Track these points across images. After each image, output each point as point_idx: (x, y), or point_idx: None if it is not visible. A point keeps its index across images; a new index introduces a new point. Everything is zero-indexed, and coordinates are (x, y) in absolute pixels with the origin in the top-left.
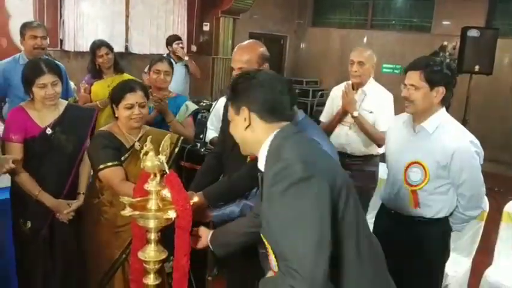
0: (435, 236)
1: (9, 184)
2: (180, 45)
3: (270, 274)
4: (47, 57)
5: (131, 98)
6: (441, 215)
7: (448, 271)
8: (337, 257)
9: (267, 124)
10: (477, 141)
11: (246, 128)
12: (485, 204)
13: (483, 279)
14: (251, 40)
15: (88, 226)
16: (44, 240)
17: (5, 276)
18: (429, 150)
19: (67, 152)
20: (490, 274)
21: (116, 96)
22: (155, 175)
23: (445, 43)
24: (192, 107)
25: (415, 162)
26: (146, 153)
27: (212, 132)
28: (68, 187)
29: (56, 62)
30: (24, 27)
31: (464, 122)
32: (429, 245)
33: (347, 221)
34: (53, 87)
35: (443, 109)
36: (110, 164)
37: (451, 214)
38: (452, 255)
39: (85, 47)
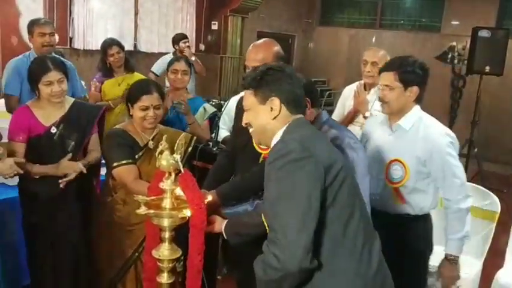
0: (422, 232)
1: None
2: (187, 44)
3: None
4: (58, 54)
5: (147, 100)
6: (425, 210)
7: (460, 273)
8: (324, 237)
9: (288, 116)
10: (452, 133)
11: (274, 117)
12: (497, 205)
13: (494, 281)
14: (266, 39)
15: (101, 224)
16: (51, 238)
17: (18, 267)
18: (408, 147)
19: (68, 149)
20: (501, 276)
21: (132, 96)
22: (170, 174)
23: (454, 43)
24: (210, 109)
25: (395, 160)
26: (161, 152)
27: (224, 132)
28: (72, 185)
29: (64, 60)
30: (32, 24)
31: (473, 123)
32: (417, 241)
33: (339, 204)
34: (59, 84)
35: (418, 107)
36: (124, 162)
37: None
38: (463, 257)
39: (95, 45)
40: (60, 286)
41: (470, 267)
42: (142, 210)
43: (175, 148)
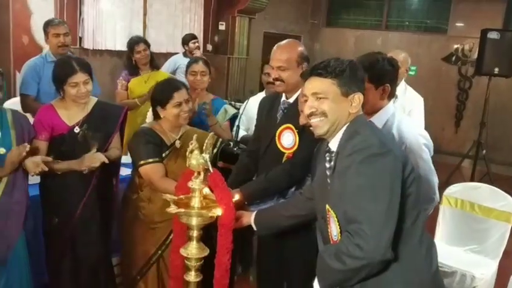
0: None
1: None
2: (196, 44)
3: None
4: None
5: (179, 96)
6: None
7: (475, 273)
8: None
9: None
10: (426, 134)
11: (351, 112)
12: (510, 205)
13: (510, 282)
14: (290, 39)
15: (126, 221)
16: (69, 238)
17: (38, 263)
18: None
19: (90, 149)
20: None
21: (162, 97)
22: (199, 173)
23: (461, 45)
24: (231, 111)
25: None
26: (191, 152)
27: (242, 132)
28: (92, 185)
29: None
30: (47, 25)
31: (482, 125)
32: None
33: (412, 193)
34: (85, 85)
35: (390, 104)
36: (151, 160)
37: None
38: (479, 258)
39: (104, 45)
40: (79, 284)
41: (486, 268)
42: (172, 208)
43: (204, 148)
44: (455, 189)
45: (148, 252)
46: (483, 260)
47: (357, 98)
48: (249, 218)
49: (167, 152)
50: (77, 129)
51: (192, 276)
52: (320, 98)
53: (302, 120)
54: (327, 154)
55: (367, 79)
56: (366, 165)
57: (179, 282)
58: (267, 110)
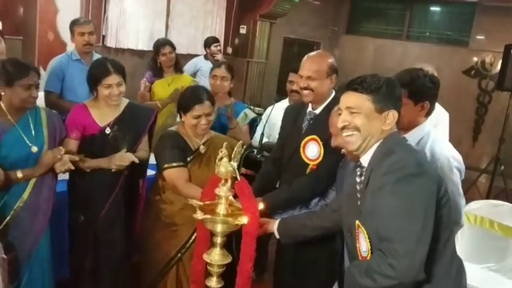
0: None
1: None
2: (218, 47)
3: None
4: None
5: (199, 110)
6: None
7: None
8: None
9: (388, 129)
10: (459, 157)
11: (385, 129)
12: None
13: None
14: (320, 51)
15: (147, 222)
16: (93, 237)
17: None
18: None
19: (121, 150)
20: None
21: (184, 105)
22: (226, 181)
23: (483, 58)
24: (251, 115)
25: None
26: (220, 159)
27: (264, 139)
28: (119, 185)
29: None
30: (73, 24)
31: (501, 140)
32: None
33: (445, 215)
34: (118, 87)
35: (427, 122)
36: (175, 164)
37: None
38: (496, 276)
39: (126, 44)
40: (99, 284)
41: (499, 285)
42: (199, 215)
43: (233, 156)
44: (475, 206)
45: (168, 254)
46: (500, 278)
47: (392, 115)
48: (273, 225)
49: (191, 156)
50: (108, 130)
51: (214, 282)
52: (354, 113)
53: (333, 142)
54: (358, 169)
55: (406, 94)
56: (402, 186)
57: (200, 287)
58: (292, 119)
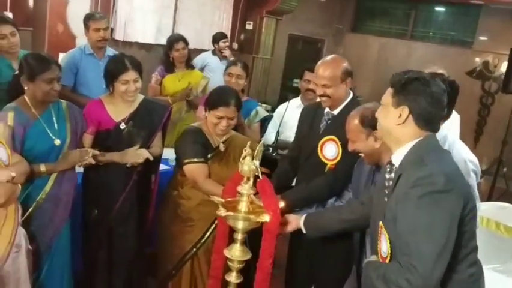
0: None
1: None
2: (226, 43)
3: (374, 258)
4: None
5: (223, 112)
6: None
7: None
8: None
9: (418, 130)
10: (475, 160)
11: (398, 124)
12: None
13: None
14: (334, 55)
15: (164, 216)
16: (107, 230)
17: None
18: None
19: (135, 146)
20: None
21: (211, 103)
22: (248, 179)
23: (487, 60)
24: (263, 113)
25: None
26: (244, 158)
27: (272, 135)
28: (133, 180)
29: (113, 50)
30: (88, 19)
31: (504, 143)
32: None
33: (468, 231)
34: (135, 83)
35: (444, 126)
36: (196, 160)
37: None
38: (501, 277)
39: (134, 37)
40: (113, 277)
41: (503, 286)
42: (222, 212)
43: (255, 155)
44: (482, 208)
45: (183, 249)
46: (505, 279)
47: (404, 111)
48: (298, 221)
49: (211, 154)
50: (123, 126)
51: (233, 278)
52: (381, 105)
53: (350, 147)
54: (388, 165)
55: None
56: (427, 202)
57: (218, 282)
58: (309, 120)
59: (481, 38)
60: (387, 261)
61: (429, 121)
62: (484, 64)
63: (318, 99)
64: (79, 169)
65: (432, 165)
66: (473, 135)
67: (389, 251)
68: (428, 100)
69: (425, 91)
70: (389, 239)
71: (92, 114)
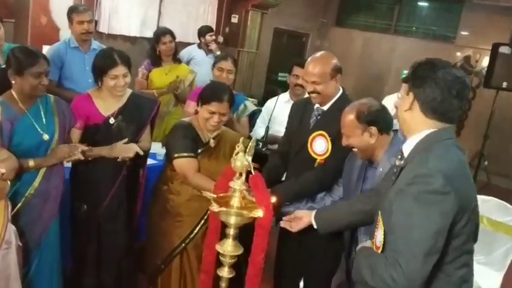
0: None
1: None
2: (213, 37)
3: (368, 244)
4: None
5: (216, 107)
6: None
7: (481, 285)
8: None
9: (426, 118)
10: None
11: (405, 110)
12: None
13: None
14: (323, 52)
15: (153, 211)
16: (96, 225)
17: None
18: None
19: (123, 141)
20: None
21: (204, 97)
22: (240, 174)
23: (469, 54)
24: (251, 107)
25: None
26: (237, 154)
27: (261, 130)
28: (122, 175)
29: (104, 46)
30: (72, 12)
31: (485, 137)
32: None
33: (463, 234)
34: (124, 78)
35: None
36: (185, 154)
37: None
38: (484, 269)
39: (119, 30)
40: (102, 272)
41: (491, 280)
42: (215, 207)
43: (247, 150)
44: None
45: (172, 244)
46: (488, 271)
47: (410, 98)
48: (309, 217)
49: (201, 149)
50: (112, 120)
51: (225, 272)
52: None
53: (344, 142)
54: (400, 153)
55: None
56: (420, 201)
57: (210, 277)
58: (299, 115)
59: (463, 33)
60: (379, 251)
61: (437, 110)
62: (465, 59)
63: (307, 95)
64: (67, 164)
65: (434, 161)
66: (454, 130)
67: (383, 242)
68: (432, 87)
69: (430, 78)
70: (384, 230)
71: (81, 109)
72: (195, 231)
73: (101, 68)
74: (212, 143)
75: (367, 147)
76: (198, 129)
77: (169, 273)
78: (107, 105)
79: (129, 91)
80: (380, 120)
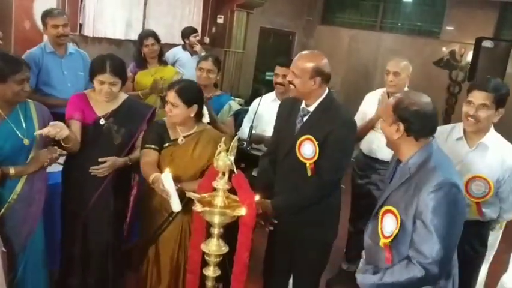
0: (486, 234)
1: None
2: (197, 38)
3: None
4: (71, 42)
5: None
6: (493, 218)
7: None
8: None
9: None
10: None
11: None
12: None
13: (499, 285)
14: (316, 51)
15: (146, 211)
16: (82, 225)
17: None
18: (490, 164)
19: (115, 143)
20: (506, 281)
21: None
22: (223, 174)
23: (453, 49)
24: (235, 107)
25: (478, 177)
26: (219, 154)
27: (247, 130)
28: (107, 179)
29: (79, 50)
30: (46, 16)
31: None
32: (484, 242)
33: None
34: (111, 86)
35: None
36: (147, 146)
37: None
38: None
39: (103, 33)
40: (88, 272)
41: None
42: (198, 207)
43: (230, 150)
44: None
45: (163, 216)
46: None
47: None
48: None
49: (166, 144)
50: (102, 121)
51: (211, 272)
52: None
53: (381, 124)
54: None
55: (493, 99)
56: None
57: (196, 276)
58: (286, 113)
59: (448, 28)
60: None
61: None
62: (450, 54)
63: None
64: (58, 167)
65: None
66: (441, 124)
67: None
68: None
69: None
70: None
71: (78, 103)
72: (164, 226)
73: (91, 70)
74: (181, 141)
75: (391, 140)
76: (169, 127)
77: (146, 267)
78: (102, 106)
79: (124, 96)
80: (412, 121)
